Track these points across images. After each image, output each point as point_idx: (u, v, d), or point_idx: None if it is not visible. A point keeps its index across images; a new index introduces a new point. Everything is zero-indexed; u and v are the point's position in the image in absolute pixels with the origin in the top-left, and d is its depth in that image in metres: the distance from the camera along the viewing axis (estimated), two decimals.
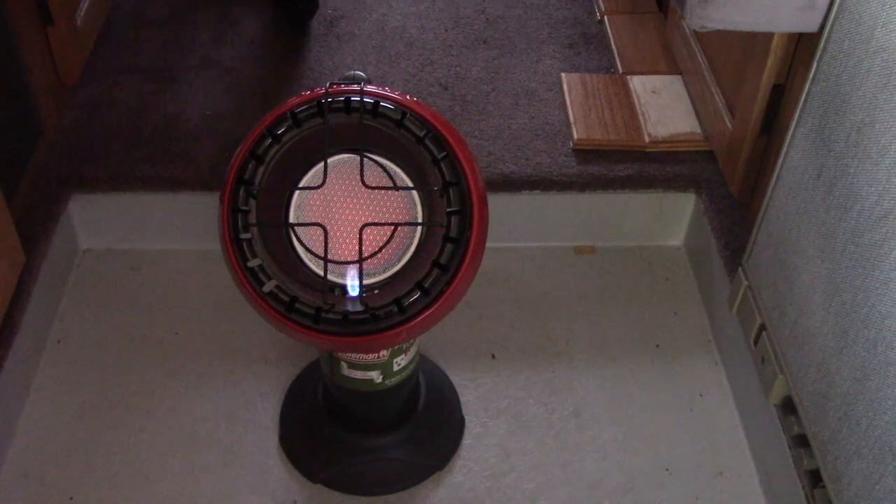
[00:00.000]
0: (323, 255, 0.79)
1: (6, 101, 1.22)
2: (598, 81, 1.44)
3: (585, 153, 1.32)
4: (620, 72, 1.47)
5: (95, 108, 1.40)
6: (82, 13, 1.45)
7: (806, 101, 0.91)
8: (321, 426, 1.08)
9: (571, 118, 1.36)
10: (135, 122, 1.37)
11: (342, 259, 0.80)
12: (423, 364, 1.14)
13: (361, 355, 0.93)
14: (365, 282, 0.80)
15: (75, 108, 1.40)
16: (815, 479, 0.91)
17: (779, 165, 0.97)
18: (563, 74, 1.46)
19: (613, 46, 1.53)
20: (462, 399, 1.14)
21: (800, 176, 0.92)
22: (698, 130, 1.33)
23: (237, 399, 1.14)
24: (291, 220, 0.80)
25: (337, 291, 0.80)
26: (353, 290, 0.80)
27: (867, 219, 0.78)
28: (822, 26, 0.90)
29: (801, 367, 0.92)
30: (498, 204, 1.17)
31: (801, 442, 0.94)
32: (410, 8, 1.65)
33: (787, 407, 0.97)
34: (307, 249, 0.80)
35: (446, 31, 1.59)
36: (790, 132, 0.94)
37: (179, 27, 1.59)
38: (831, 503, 0.86)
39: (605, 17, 1.60)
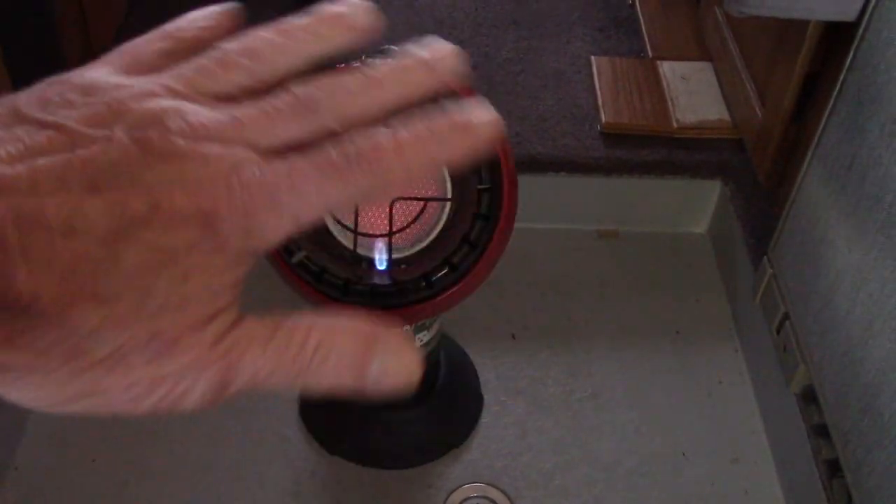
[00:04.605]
0: (353, 228, 0.79)
1: (39, 66, 1.22)
2: (627, 65, 1.44)
3: (613, 137, 1.32)
4: (650, 56, 1.46)
5: None
6: None
7: (840, 90, 0.90)
8: (341, 399, 1.09)
9: (600, 101, 1.36)
10: None
11: (371, 232, 0.80)
12: (444, 342, 1.15)
13: None
14: (393, 256, 0.80)
15: None
16: (833, 468, 0.91)
17: (809, 154, 0.97)
18: (592, 57, 1.46)
19: (644, 31, 1.52)
20: (481, 378, 1.15)
21: (831, 165, 0.91)
22: (727, 117, 1.33)
23: None
24: None
25: (365, 265, 0.81)
26: (381, 263, 0.80)
27: None
28: (861, 15, 0.90)
29: (824, 356, 0.92)
30: (523, 184, 1.17)
31: (820, 431, 0.94)
32: None
33: (808, 396, 0.97)
34: (337, 222, 0.80)
35: (476, 9, 1.59)
36: (823, 121, 0.94)
37: (209, 2, 1.59)
38: (850, 493, 0.86)
39: (637, 1, 1.59)
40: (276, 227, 0.25)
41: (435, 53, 0.27)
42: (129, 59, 0.28)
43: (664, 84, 1.39)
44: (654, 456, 1.07)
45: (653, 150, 1.30)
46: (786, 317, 1.02)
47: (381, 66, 0.27)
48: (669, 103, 1.35)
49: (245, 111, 0.25)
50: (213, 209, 0.24)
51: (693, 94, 1.37)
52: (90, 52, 1.39)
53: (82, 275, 0.23)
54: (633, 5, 1.60)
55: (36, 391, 0.24)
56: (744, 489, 1.05)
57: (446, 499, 1.02)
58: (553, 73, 1.44)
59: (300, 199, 0.25)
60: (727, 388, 1.15)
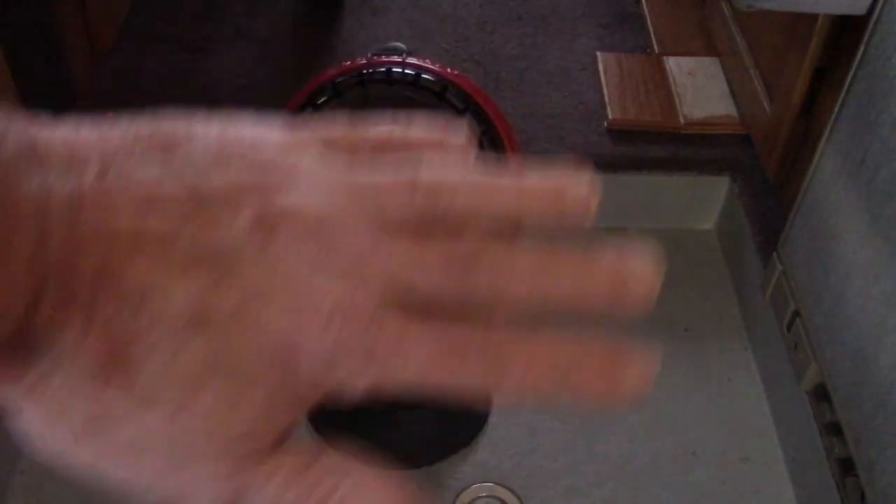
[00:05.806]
0: None
1: (42, 65, 1.22)
2: (633, 62, 1.43)
3: (619, 134, 1.31)
4: (657, 52, 1.45)
5: (129, 77, 1.40)
6: None
7: (851, 84, 0.89)
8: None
9: (606, 98, 1.35)
10: (168, 92, 1.37)
11: None
12: None
13: None
14: None
15: (108, 75, 1.40)
16: (846, 467, 0.90)
17: (819, 150, 0.96)
18: (598, 54, 1.45)
19: (650, 26, 1.51)
20: None
21: (842, 161, 0.90)
22: (734, 113, 1.32)
23: None
24: None
25: None
26: None
27: None
28: (871, 8, 0.89)
29: (835, 354, 0.91)
30: None
31: (833, 430, 0.93)
32: None
33: (820, 394, 0.96)
34: None
35: (481, 7, 1.58)
36: (833, 116, 0.93)
37: (211, 14, 1.59)
38: (863, 491, 0.85)
39: None
40: (354, 380, 0.22)
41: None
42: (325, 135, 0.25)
43: (671, 80, 1.38)
44: (664, 455, 1.07)
45: (660, 146, 1.29)
46: (796, 314, 1.01)
47: (561, 252, 0.23)
48: (676, 99, 1.34)
49: (397, 241, 0.22)
50: (298, 342, 0.21)
51: (700, 89, 1.36)
52: (92, 54, 1.38)
53: (129, 362, 0.20)
54: (638, 1, 1.59)
55: (50, 434, 0.22)
56: (755, 488, 1.04)
57: (455, 499, 1.02)
58: (559, 70, 1.43)
59: (398, 364, 0.22)
60: (737, 386, 1.14)
